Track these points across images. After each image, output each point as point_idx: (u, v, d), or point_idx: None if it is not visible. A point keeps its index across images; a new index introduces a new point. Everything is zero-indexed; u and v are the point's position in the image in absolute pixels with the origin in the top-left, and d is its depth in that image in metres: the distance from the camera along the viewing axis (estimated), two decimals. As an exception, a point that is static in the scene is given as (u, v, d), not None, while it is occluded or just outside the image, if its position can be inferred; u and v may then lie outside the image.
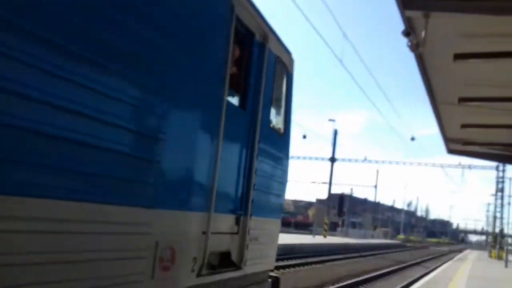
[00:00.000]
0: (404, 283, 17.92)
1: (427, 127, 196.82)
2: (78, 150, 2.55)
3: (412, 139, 30.63)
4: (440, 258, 44.44)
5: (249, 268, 4.68)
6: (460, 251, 68.23)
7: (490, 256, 46.52)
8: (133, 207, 3.02)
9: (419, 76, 8.94)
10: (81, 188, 2.60)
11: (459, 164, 37.09)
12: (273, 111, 5.22)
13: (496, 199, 50.04)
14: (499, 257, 40.64)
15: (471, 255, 48.81)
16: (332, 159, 49.91)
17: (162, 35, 3.23)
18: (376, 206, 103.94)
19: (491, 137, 14.01)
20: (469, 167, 36.51)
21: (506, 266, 30.58)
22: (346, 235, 59.85)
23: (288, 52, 5.64)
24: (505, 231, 47.54)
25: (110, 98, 2.78)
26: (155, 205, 3.22)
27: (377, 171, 70.99)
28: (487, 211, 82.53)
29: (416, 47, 6.84)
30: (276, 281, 5.68)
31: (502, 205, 48.88)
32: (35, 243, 2.27)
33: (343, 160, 58.28)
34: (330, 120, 55.13)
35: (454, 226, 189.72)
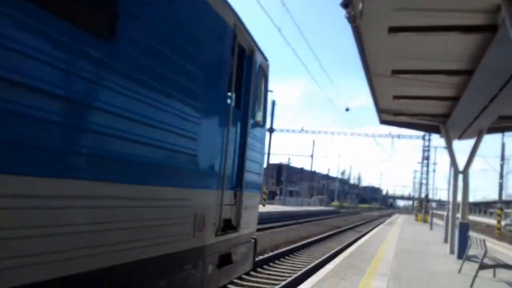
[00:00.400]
0: (339, 247, 18.83)
1: (361, 98, 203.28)
2: (155, 151, 3.86)
3: (347, 109, 31.59)
4: (371, 222, 46.88)
5: (242, 230, 6.14)
6: (389, 215, 72.34)
7: (417, 220, 49.77)
8: (184, 188, 4.40)
9: (355, 48, 9.20)
10: (159, 176, 3.94)
11: (389, 134, 38.95)
12: (256, 107, 6.49)
13: (422, 166, 53.30)
14: (425, 221, 43.61)
15: (399, 219, 51.92)
16: (270, 130, 50.58)
17: (198, 67, 4.51)
18: (312, 175, 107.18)
19: (420, 108, 14.79)
20: (398, 136, 38.37)
21: (431, 228, 32.88)
22: (284, 203, 61.35)
23: (266, 60, 6.99)
24: (430, 196, 50.83)
25: (173, 115, 4.10)
26: (195, 186, 4.59)
27: (313, 141, 72.86)
28: (414, 178, 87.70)
29: (353, 19, 7.00)
30: (255, 241, 7.28)
31: (427, 172, 52.18)
32: (136, 214, 3.60)
33: (281, 130, 59.13)
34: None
35: (384, 192, 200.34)
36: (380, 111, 15.38)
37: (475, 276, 9.77)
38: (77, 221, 2.82)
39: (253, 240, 6.98)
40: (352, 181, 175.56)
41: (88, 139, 2.93)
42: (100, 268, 2.94)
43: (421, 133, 42.55)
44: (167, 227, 4.10)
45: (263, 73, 6.79)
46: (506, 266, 9.99)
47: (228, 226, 5.66)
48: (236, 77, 5.53)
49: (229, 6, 5.24)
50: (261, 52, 6.67)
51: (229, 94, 5.35)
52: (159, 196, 3.94)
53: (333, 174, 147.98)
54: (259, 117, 6.63)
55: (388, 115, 15.97)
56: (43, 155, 2.58)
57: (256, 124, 6.50)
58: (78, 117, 2.82)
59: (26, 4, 2.39)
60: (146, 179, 3.69)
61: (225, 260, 5.49)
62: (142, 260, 3.59)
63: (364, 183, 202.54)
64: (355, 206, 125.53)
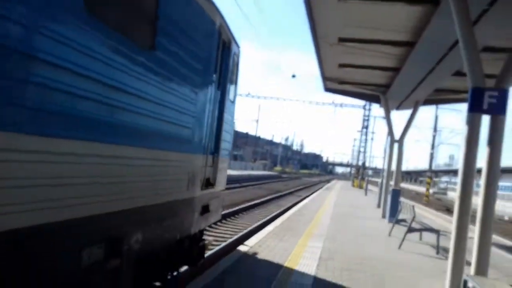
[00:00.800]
0: (280, 210, 19.33)
1: (308, 65, 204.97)
2: (168, 125, 4.93)
3: (293, 76, 31.67)
4: (311, 187, 48.34)
5: (217, 187, 7.42)
6: (328, 181, 74.87)
7: (353, 186, 51.87)
8: (183, 153, 5.52)
9: (304, 15, 9.18)
10: (168, 143, 5.03)
11: (332, 103, 39.70)
12: (230, 88, 7.64)
13: (361, 135, 55.02)
14: (360, 187, 45.58)
15: (337, 185, 53.88)
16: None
17: (197, 61, 5.65)
18: (256, 140, 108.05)
19: (363, 78, 15.13)
20: (341, 105, 39.23)
21: (366, 194, 34.42)
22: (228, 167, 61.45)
23: (238, 47, 8.06)
24: (367, 164, 52.90)
25: (180, 99, 5.18)
26: (190, 152, 5.74)
27: (259, 106, 73.07)
28: (353, 146, 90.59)
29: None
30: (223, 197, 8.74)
31: (366, 141, 53.98)
32: (154, 170, 4.76)
33: (227, 94, 58.60)
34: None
35: (324, 159, 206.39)
36: (325, 79, 15.60)
37: (403, 238, 10.39)
38: (120, 173, 4.08)
39: (222, 196, 8.17)
40: (295, 148, 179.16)
41: (132, 118, 4.14)
42: (135, 207, 4.40)
43: (362, 103, 43.75)
44: (173, 181, 5.35)
45: (236, 58, 8.03)
46: (430, 230, 10.69)
47: (208, 183, 6.80)
48: (219, 65, 6.81)
49: (218, 11, 6.39)
50: (236, 42, 7.86)
51: (213, 79, 6.50)
52: (168, 158, 5.11)
53: (277, 140, 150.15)
54: (232, 95, 7.80)
55: (333, 83, 16.25)
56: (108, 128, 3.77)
57: (230, 102, 7.69)
58: (128, 101, 4.01)
59: (105, 27, 3.52)
60: (160, 146, 4.84)
61: (205, 209, 6.75)
62: (158, 204, 4.97)
63: (307, 149, 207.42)
64: (297, 172, 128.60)
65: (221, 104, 7.10)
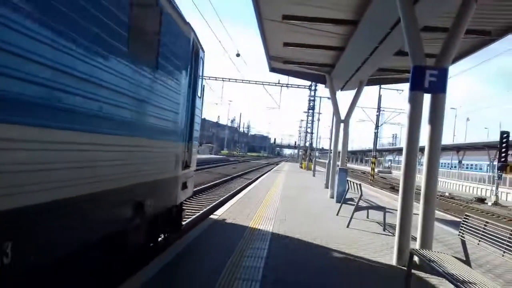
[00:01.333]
0: (229, 193, 19.18)
1: (253, 44, 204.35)
2: (164, 122, 6.54)
3: (238, 55, 31.10)
4: (259, 170, 48.55)
5: (191, 168, 9.04)
6: (276, 163, 75.61)
7: (301, 167, 52.67)
8: (173, 142, 7.13)
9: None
10: (163, 135, 6.59)
11: (278, 83, 39.60)
12: (199, 86, 9.18)
13: (308, 116, 55.76)
14: (308, 168, 46.31)
15: (285, 167, 54.51)
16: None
17: (180, 70, 7.34)
18: (202, 123, 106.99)
19: (308, 57, 15.13)
20: (287, 86, 39.30)
21: (313, 175, 35.00)
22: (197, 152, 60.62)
23: (203, 51, 9.44)
24: (314, 145, 53.74)
25: (172, 102, 6.88)
26: (176, 141, 7.33)
27: (203, 87, 72.00)
28: (300, 127, 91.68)
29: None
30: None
31: (312, 122, 54.76)
32: (155, 156, 6.30)
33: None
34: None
35: (272, 141, 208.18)
36: (270, 58, 15.47)
37: (351, 217, 10.53)
38: (141, 156, 5.66)
39: (193, 176, 9.88)
40: (241, 130, 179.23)
41: (147, 118, 5.76)
42: (149, 181, 6.00)
43: (308, 83, 44.11)
44: (167, 163, 6.95)
45: (202, 60, 9.47)
46: (377, 208, 10.90)
47: (186, 165, 8.24)
48: (192, 69, 8.25)
49: (192, 29, 7.96)
50: (202, 48, 9.25)
51: (188, 81, 7.92)
52: (165, 146, 6.74)
53: (223, 122, 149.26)
54: (199, 92, 9.18)
55: (278, 63, 16.15)
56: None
57: (199, 98, 9.14)
58: (139, 107, 5.43)
59: (136, 58, 5.12)
60: (161, 137, 6.42)
61: (184, 185, 8.37)
62: (160, 179, 6.59)
63: (253, 131, 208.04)
64: (245, 155, 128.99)
65: (193, 100, 8.55)
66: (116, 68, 4.64)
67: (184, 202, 9.20)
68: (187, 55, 7.79)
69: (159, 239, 7.81)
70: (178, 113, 7.26)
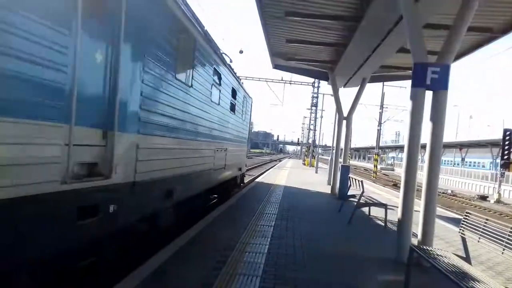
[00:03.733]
0: (235, 190, 19.21)
1: (256, 41, 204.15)
2: (235, 132, 13.99)
3: (241, 52, 31.12)
4: (262, 166, 48.59)
5: (246, 159, 18.02)
6: (279, 160, 75.65)
7: (304, 164, 52.65)
8: (244, 145, 16.55)
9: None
10: (242, 142, 15.71)
11: (282, 80, 39.55)
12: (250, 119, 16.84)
13: (311, 112, 55.67)
14: (311, 165, 46.31)
15: (288, 163, 54.49)
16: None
17: (247, 114, 16.59)
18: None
19: (311, 54, 15.11)
20: (290, 82, 39.26)
21: (316, 172, 34.99)
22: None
23: (251, 97, 14.69)
24: (317, 142, 53.70)
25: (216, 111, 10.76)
26: (245, 145, 16.47)
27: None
28: (303, 123, 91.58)
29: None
30: None
31: (315, 119, 54.68)
32: (241, 152, 15.66)
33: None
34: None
35: (275, 137, 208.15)
36: (273, 54, 15.47)
37: (353, 213, 10.57)
38: (235, 153, 13.79)
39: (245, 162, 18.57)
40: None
41: (238, 135, 13.21)
42: (238, 162, 14.53)
43: (311, 80, 44.05)
44: (243, 156, 15.26)
45: (251, 105, 15.62)
46: (378, 205, 10.92)
47: (246, 156, 16.67)
48: (249, 112, 15.87)
49: (250, 97, 15.47)
50: (251, 98, 15.41)
51: (248, 116, 14.85)
52: (243, 148, 14.07)
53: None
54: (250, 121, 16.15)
55: (281, 60, 16.14)
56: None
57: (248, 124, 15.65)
58: (240, 131, 13.99)
59: (180, 80, 7.18)
60: (241, 143, 13.73)
61: (244, 167, 16.07)
62: (241, 162, 14.89)
63: (256, 128, 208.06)
64: (248, 151, 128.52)
65: (248, 126, 15.93)
66: (233, 118, 12.43)
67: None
68: (248, 106, 16.63)
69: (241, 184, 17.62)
70: (246, 133, 15.38)
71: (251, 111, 17.57)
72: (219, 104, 10.49)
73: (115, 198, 5.03)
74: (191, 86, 7.82)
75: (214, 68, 9.80)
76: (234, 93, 12.68)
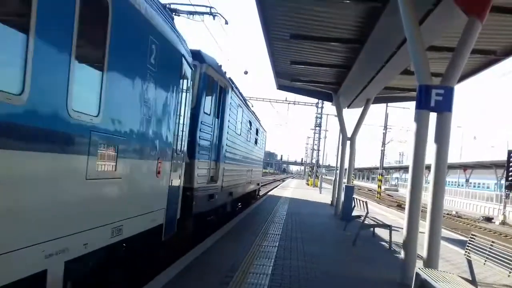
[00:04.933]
0: (252, 201, 19.16)
1: (261, 62, 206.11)
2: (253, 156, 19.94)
3: (245, 73, 31.38)
4: (266, 186, 48.41)
5: (261, 177, 28.97)
6: (283, 180, 75.43)
7: (308, 184, 52.51)
8: (260, 166, 24.35)
9: (256, 12, 9.10)
10: (259, 164, 23.61)
11: (286, 100, 39.84)
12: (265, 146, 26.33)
13: (314, 133, 55.74)
14: (315, 185, 46.16)
15: (292, 183, 54.36)
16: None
17: (263, 142, 24.47)
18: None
19: (315, 75, 15.27)
20: (294, 103, 39.52)
21: (320, 192, 34.89)
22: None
23: (265, 131, 24.80)
24: (321, 162, 53.63)
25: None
26: (261, 166, 25.12)
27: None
28: (307, 143, 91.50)
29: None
30: None
31: (319, 139, 54.74)
32: (258, 171, 23.73)
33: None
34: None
35: (279, 157, 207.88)
36: (278, 75, 15.62)
37: (357, 234, 10.52)
38: (255, 172, 20.68)
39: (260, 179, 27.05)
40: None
41: (255, 159, 20.19)
42: (256, 180, 21.55)
43: (314, 101, 44.28)
44: (260, 173, 24.42)
45: (265, 136, 23.53)
46: (383, 226, 10.87)
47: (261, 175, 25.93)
48: (264, 142, 23.95)
49: (265, 130, 23.25)
50: (265, 130, 23.21)
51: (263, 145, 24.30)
52: (260, 169, 23.52)
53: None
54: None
55: (285, 81, 16.29)
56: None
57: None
58: (258, 156, 21.54)
59: (215, 118, 10.23)
60: (258, 165, 21.80)
61: (259, 182, 25.69)
62: (258, 179, 22.67)
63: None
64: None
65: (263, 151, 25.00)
66: (256, 148, 19.32)
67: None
68: (264, 137, 23.15)
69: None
70: (262, 157, 22.88)
71: (265, 141, 24.93)
72: (249, 140, 16.69)
73: (218, 192, 10.85)
74: (240, 134, 13.97)
75: (249, 121, 16.24)
76: (257, 131, 19.27)
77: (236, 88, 12.77)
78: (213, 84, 9.67)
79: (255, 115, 18.81)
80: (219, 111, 10.29)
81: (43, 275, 3.47)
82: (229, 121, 11.38)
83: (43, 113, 3.32)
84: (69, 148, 3.72)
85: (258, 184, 23.44)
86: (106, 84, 4.22)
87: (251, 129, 16.87)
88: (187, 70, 7.34)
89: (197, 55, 8.62)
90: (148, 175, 5.62)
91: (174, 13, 11.20)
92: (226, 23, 12.81)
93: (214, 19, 12.48)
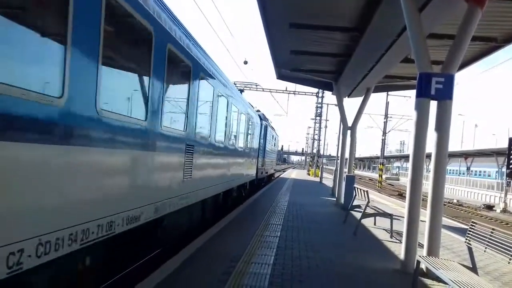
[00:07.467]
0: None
1: (260, 52, 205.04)
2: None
3: (245, 62, 31.19)
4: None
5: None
6: (284, 170, 75.49)
7: (308, 174, 52.57)
8: (275, 159, 39.55)
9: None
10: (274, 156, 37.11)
11: (286, 90, 39.63)
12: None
13: (315, 123, 55.64)
14: (316, 175, 46.19)
15: (292, 174, 54.37)
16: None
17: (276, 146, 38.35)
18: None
19: (315, 65, 15.18)
20: (294, 93, 39.35)
21: (321, 182, 34.92)
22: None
23: (278, 135, 38.64)
24: (321, 152, 53.60)
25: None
26: (275, 159, 41.73)
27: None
28: (307, 133, 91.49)
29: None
30: None
31: (320, 129, 54.64)
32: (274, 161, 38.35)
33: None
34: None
35: (279, 147, 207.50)
36: (277, 65, 15.55)
37: (358, 224, 10.53)
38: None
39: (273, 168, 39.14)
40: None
41: (272, 153, 31.96)
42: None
43: (314, 90, 44.07)
44: (274, 163, 36.95)
45: (277, 141, 38.32)
46: (384, 215, 10.88)
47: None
48: (277, 144, 39.21)
49: (275, 131, 34.12)
50: (277, 135, 37.30)
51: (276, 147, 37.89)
52: (274, 159, 36.46)
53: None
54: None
55: (286, 70, 16.22)
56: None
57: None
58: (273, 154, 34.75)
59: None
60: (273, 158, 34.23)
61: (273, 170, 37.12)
62: (273, 169, 37.63)
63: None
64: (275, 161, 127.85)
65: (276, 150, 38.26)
66: (274, 148, 33.14)
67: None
68: (277, 140, 37.37)
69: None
70: (276, 151, 38.04)
71: (277, 142, 35.96)
72: (274, 146, 29.22)
73: (263, 171, 24.35)
74: (271, 146, 26.81)
75: (273, 135, 28.41)
76: (275, 140, 31.84)
77: (269, 122, 27.39)
78: (265, 126, 23.62)
79: (275, 131, 33.60)
80: (265, 136, 23.79)
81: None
82: (267, 139, 24.85)
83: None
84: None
85: (273, 169, 37.38)
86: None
87: (274, 139, 31.36)
88: (261, 123, 20.84)
89: (261, 116, 22.32)
90: (252, 162, 18.11)
91: None
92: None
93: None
